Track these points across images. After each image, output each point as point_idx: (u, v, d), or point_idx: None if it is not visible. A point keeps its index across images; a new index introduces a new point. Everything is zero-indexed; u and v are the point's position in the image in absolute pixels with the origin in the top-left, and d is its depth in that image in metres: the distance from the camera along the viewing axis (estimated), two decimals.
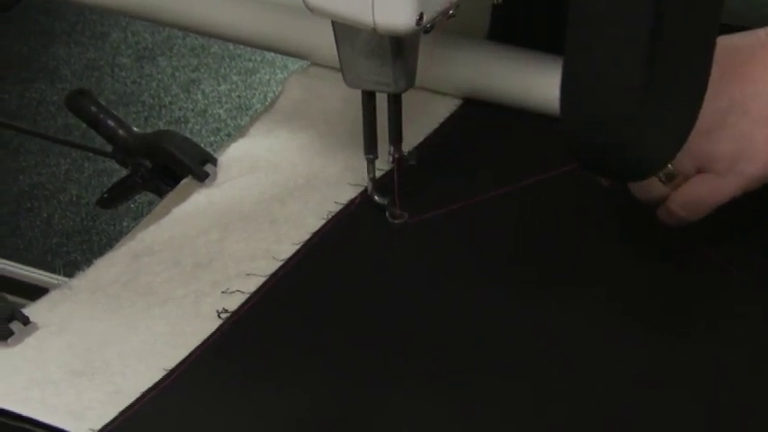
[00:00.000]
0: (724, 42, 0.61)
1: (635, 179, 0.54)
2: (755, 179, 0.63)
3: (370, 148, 0.73)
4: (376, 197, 0.74)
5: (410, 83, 0.70)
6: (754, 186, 0.64)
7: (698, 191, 0.64)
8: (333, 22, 0.67)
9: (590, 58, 0.50)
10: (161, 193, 0.86)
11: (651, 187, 0.65)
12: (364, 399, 0.63)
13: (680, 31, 0.50)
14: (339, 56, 0.69)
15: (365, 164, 0.75)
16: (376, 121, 0.72)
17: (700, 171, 0.64)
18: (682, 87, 0.52)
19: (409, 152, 0.75)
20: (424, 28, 0.64)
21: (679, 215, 0.65)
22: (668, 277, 0.69)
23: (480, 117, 0.82)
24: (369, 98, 0.71)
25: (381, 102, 0.72)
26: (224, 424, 0.62)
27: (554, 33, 0.80)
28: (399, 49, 0.67)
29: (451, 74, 0.83)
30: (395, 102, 0.72)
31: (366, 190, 0.76)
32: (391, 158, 0.73)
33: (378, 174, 0.74)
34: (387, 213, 0.73)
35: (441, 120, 0.82)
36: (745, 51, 0.62)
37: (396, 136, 0.73)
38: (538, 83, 0.81)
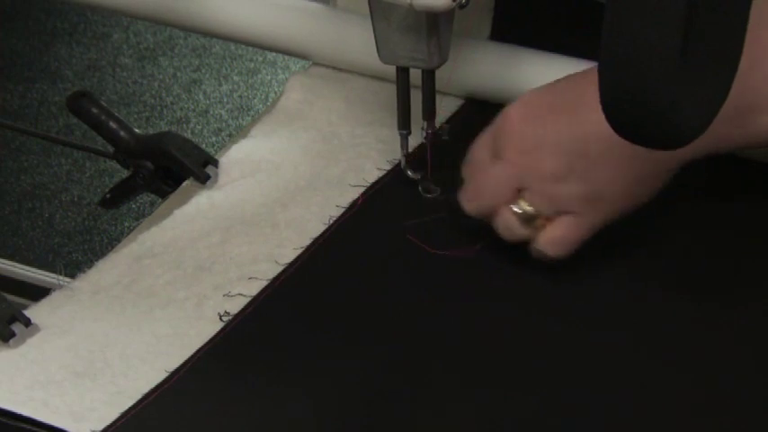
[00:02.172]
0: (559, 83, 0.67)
1: (671, 147, 0.56)
2: (612, 213, 0.67)
3: (404, 123, 0.74)
4: (409, 172, 0.75)
5: (443, 59, 0.71)
6: (616, 218, 0.67)
7: (561, 231, 0.67)
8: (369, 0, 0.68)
9: (628, 26, 0.51)
10: (162, 195, 0.86)
11: (513, 229, 0.68)
12: (366, 403, 0.63)
13: (716, 2, 0.51)
14: (374, 32, 0.71)
15: (367, 164, 0.75)
16: (410, 96, 0.73)
17: (558, 212, 0.67)
18: (717, 55, 0.53)
19: (441, 127, 0.75)
20: (460, 4, 0.65)
21: (548, 255, 0.68)
22: (670, 274, 0.69)
23: (482, 117, 0.82)
24: (403, 74, 0.73)
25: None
26: (226, 426, 0.62)
27: (556, 32, 0.80)
28: (435, 26, 0.69)
29: (453, 74, 0.83)
30: (428, 77, 0.73)
31: (367, 191, 0.76)
32: (425, 134, 0.74)
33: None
34: (420, 188, 0.74)
35: (442, 120, 0.82)
36: (575, 92, 0.67)
37: (429, 112, 0.74)
38: (541, 82, 0.80)
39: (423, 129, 0.74)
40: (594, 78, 0.53)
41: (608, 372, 0.64)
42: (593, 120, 0.63)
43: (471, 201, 0.69)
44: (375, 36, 0.71)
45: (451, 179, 0.73)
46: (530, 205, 0.67)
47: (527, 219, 0.67)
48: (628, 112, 0.53)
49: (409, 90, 0.73)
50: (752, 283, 0.68)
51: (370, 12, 0.70)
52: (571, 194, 0.66)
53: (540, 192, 0.66)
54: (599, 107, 0.54)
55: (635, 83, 0.52)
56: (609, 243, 0.71)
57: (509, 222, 0.67)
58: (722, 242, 0.70)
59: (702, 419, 0.61)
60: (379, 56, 0.71)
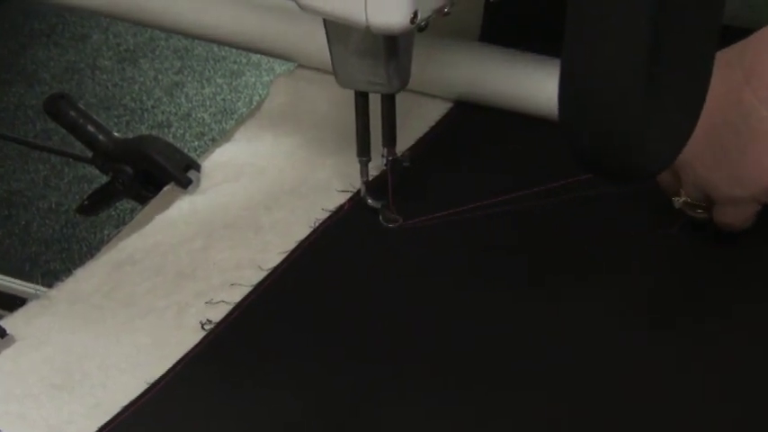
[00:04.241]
0: None
1: (637, 179, 0.56)
2: (762, 197, 0.66)
3: (364, 150, 0.73)
4: (369, 200, 0.74)
5: (404, 83, 0.70)
6: None
7: (722, 219, 0.68)
8: (324, 21, 0.67)
9: (591, 54, 0.50)
10: (143, 201, 0.86)
11: (690, 214, 0.68)
12: (353, 410, 0.63)
13: (682, 28, 0.50)
14: (331, 55, 0.69)
15: (354, 169, 0.75)
16: (369, 122, 0.72)
17: (712, 201, 0.67)
18: (684, 86, 0.53)
19: (403, 154, 0.75)
20: (419, 26, 0.64)
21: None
22: (673, 276, 0.70)
23: (472, 120, 0.83)
24: (362, 99, 0.71)
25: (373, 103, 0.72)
26: None
27: (547, 34, 0.80)
28: (393, 49, 0.67)
29: (443, 76, 0.83)
30: (388, 102, 0.72)
31: (354, 196, 0.76)
32: (385, 161, 0.73)
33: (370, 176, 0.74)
34: (381, 217, 0.73)
35: (431, 123, 0.82)
36: None
37: (389, 138, 0.73)
38: (531, 85, 0.81)
39: (383, 155, 0.73)
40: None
41: (603, 374, 0.64)
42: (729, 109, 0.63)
43: (661, 188, 0.70)
44: (332, 60, 0.69)
45: (413, 208, 0.73)
46: (685, 195, 0.68)
47: (690, 206, 0.68)
48: (589, 142, 0.52)
49: (368, 115, 0.72)
50: (753, 283, 0.69)
51: (326, 34, 0.68)
52: (718, 185, 0.66)
53: (687, 181, 0.67)
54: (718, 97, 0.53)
55: (596, 110, 0.51)
56: (603, 245, 0.71)
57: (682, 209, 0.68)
58: (725, 242, 0.71)
59: (703, 420, 0.61)
60: (336, 80, 0.70)
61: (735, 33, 0.64)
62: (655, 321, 0.67)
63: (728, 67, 0.63)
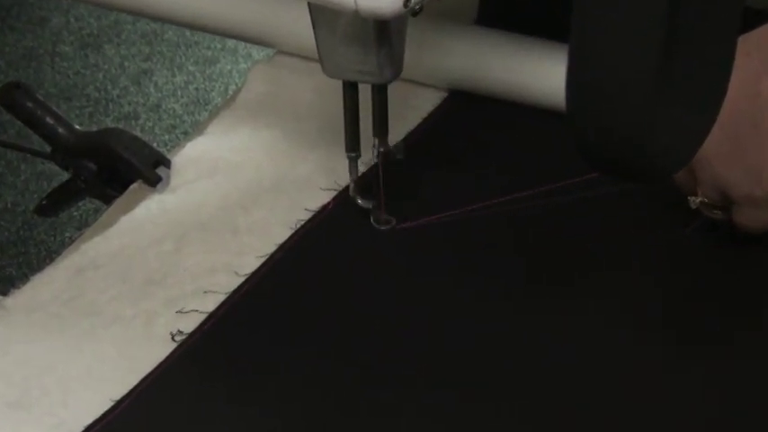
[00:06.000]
0: None
1: (648, 181, 0.56)
2: None
3: (353, 145, 0.73)
4: (359, 200, 0.74)
5: (397, 72, 0.70)
6: None
7: (741, 221, 0.69)
8: (309, 4, 0.68)
9: (599, 47, 0.50)
10: (107, 200, 0.86)
11: (709, 214, 0.70)
12: (335, 423, 0.63)
13: (699, 18, 0.50)
14: (317, 42, 0.70)
15: (339, 164, 0.75)
16: (359, 114, 0.72)
17: (731, 201, 0.68)
18: (700, 81, 0.53)
19: (395, 145, 0.75)
20: (413, 10, 0.64)
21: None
22: (674, 276, 0.71)
23: (468, 110, 0.83)
24: (351, 89, 0.71)
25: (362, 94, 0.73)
26: None
27: (547, 16, 0.81)
28: (385, 35, 0.68)
29: (436, 63, 0.83)
30: (380, 93, 0.72)
31: (339, 194, 0.76)
32: (376, 153, 0.73)
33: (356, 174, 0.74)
34: (372, 219, 0.73)
35: (424, 114, 0.83)
36: None
37: (381, 130, 0.73)
38: (532, 72, 0.81)
39: (373, 146, 0.73)
40: None
41: (603, 373, 0.65)
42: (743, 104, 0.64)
43: (677, 186, 0.70)
44: (318, 47, 0.69)
45: (406, 208, 0.73)
46: (702, 194, 0.69)
47: (707, 207, 0.69)
48: (598, 141, 0.53)
49: (358, 107, 0.72)
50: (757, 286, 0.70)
51: (311, 19, 0.68)
52: (734, 183, 0.66)
53: (703, 179, 0.68)
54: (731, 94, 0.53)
55: (605, 106, 0.51)
56: (604, 244, 0.72)
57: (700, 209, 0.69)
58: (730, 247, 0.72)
59: (702, 420, 0.63)
60: (322, 69, 0.70)
61: (755, 16, 0.65)
62: (655, 321, 0.68)
63: (746, 55, 0.63)
